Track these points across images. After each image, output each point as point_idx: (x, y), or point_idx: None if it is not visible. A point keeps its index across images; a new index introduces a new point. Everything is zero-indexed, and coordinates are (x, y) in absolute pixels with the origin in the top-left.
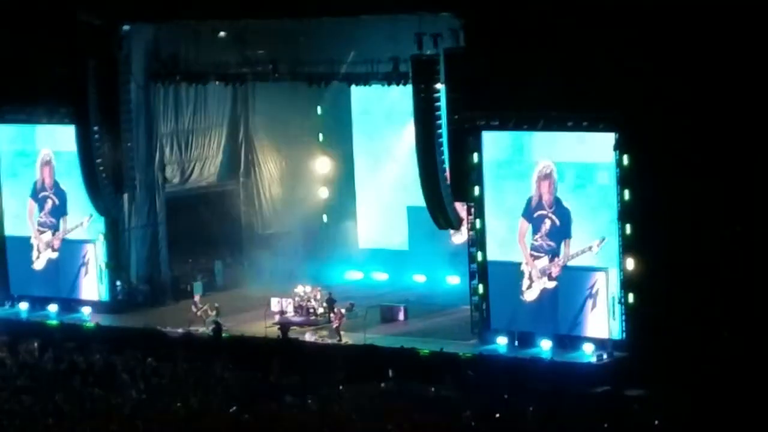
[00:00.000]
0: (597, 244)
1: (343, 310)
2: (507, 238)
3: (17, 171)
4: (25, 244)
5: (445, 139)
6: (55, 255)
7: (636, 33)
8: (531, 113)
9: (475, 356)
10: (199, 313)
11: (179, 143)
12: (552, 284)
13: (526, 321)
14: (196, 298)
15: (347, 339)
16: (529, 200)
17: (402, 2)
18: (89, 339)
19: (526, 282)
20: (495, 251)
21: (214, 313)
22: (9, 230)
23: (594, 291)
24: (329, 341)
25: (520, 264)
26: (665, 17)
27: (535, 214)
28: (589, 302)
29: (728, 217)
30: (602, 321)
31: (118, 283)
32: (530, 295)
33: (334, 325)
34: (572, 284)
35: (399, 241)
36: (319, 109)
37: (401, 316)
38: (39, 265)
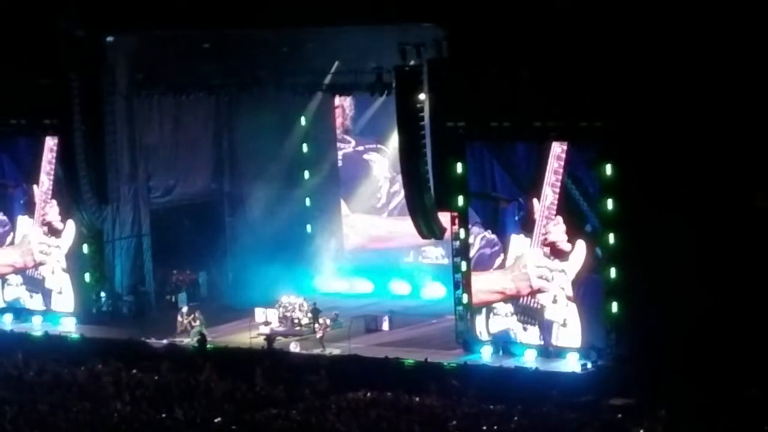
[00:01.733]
0: None
1: (328, 321)
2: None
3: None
4: None
5: (429, 149)
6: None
7: (619, 43)
8: (514, 123)
9: (459, 366)
10: (184, 324)
11: (163, 154)
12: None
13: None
14: (184, 309)
15: (331, 349)
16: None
17: (385, 13)
18: (73, 350)
19: None
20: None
21: (197, 323)
22: None
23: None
24: (314, 351)
25: None
26: (648, 26)
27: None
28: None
29: (712, 225)
30: (586, 330)
31: (102, 294)
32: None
33: (318, 335)
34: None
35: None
36: (303, 120)
37: (386, 326)
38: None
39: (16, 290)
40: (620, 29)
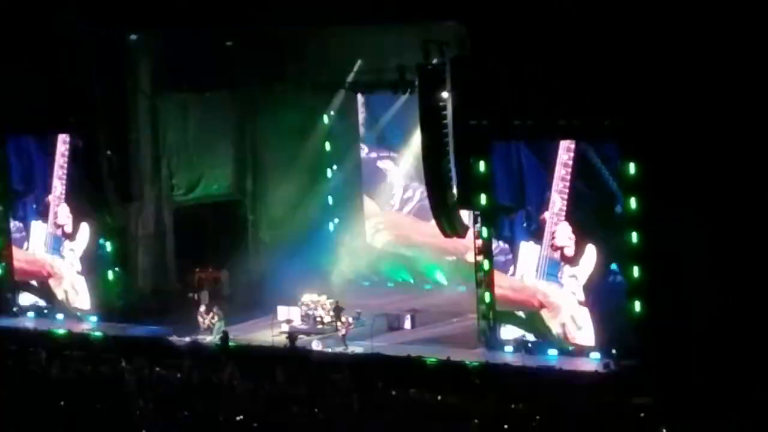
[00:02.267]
0: None
1: (350, 319)
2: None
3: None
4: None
5: (451, 147)
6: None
7: (641, 40)
8: (537, 121)
9: (481, 365)
10: (206, 322)
11: (186, 153)
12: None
13: None
14: (203, 307)
15: (354, 348)
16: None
17: (408, 11)
18: (96, 348)
19: None
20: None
21: (215, 319)
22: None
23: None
24: (336, 350)
25: None
26: (672, 23)
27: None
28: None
29: (735, 223)
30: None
31: (125, 292)
32: None
33: (341, 333)
34: None
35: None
36: (325, 118)
37: (408, 325)
38: None
39: (30, 297)
40: (643, 27)
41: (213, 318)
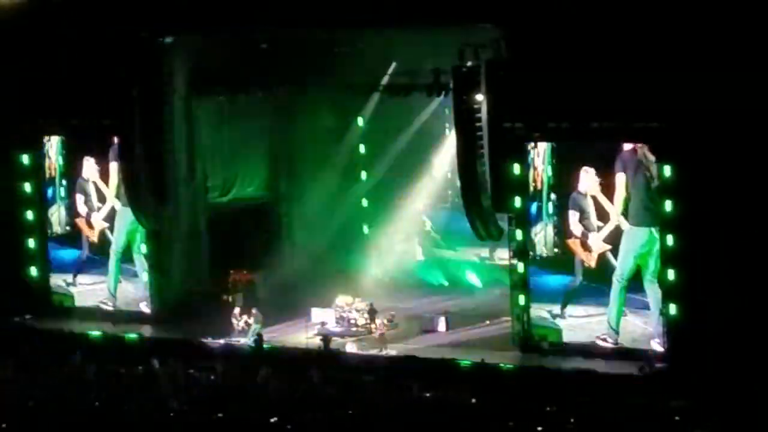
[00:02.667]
0: None
1: (385, 321)
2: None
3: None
4: (67, 256)
5: (486, 150)
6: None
7: (680, 44)
8: (572, 124)
9: (516, 367)
10: (240, 324)
11: (221, 155)
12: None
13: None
14: (237, 309)
15: (388, 350)
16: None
17: (444, 13)
18: (131, 350)
19: None
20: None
21: (252, 320)
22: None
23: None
24: (372, 351)
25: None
26: (710, 29)
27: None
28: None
29: None
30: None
31: (160, 294)
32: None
33: (379, 333)
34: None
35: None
36: (360, 121)
37: (442, 327)
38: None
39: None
40: (680, 29)
41: (250, 319)
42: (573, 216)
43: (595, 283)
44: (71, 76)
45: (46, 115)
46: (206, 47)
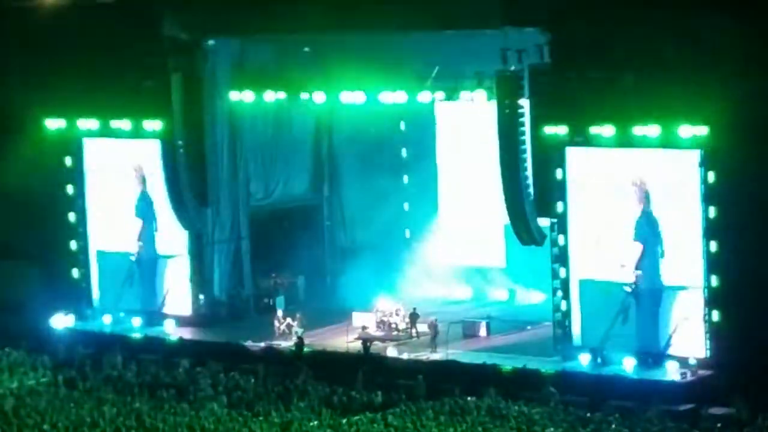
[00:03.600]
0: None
1: (438, 324)
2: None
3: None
4: (113, 259)
5: (529, 155)
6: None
7: (721, 50)
8: (615, 129)
9: (557, 373)
10: (281, 327)
11: (263, 158)
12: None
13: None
14: (279, 312)
15: (429, 355)
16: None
17: (487, 17)
18: (172, 352)
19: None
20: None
21: (296, 323)
22: (97, 245)
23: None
24: (412, 356)
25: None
26: (749, 33)
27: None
28: (674, 320)
29: None
30: (687, 338)
31: (201, 296)
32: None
33: (431, 335)
34: (658, 302)
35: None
36: (402, 124)
37: (483, 332)
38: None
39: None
40: (723, 35)
41: (294, 322)
42: None
43: None
44: (113, 78)
45: (87, 116)
46: (249, 50)
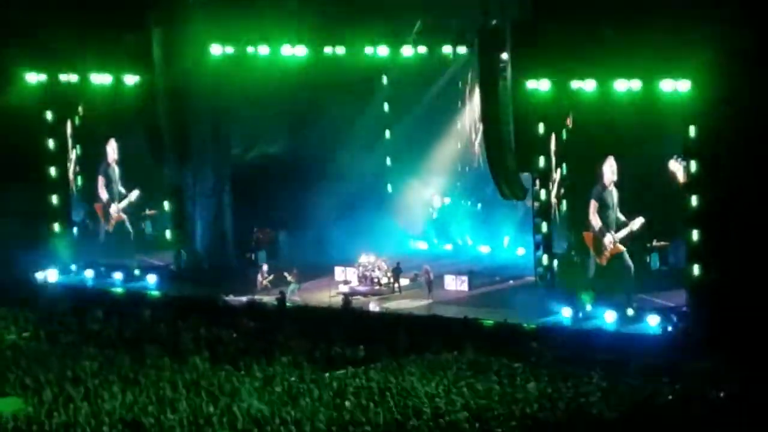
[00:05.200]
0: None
1: (431, 274)
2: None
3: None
4: (94, 213)
5: (510, 110)
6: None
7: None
8: (597, 83)
9: (538, 327)
10: (264, 281)
11: (245, 113)
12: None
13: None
14: (264, 267)
15: (410, 309)
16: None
17: None
18: (154, 307)
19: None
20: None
21: (292, 278)
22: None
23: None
24: (390, 306)
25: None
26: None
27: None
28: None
29: None
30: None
31: (182, 251)
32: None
33: (424, 279)
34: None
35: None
36: (384, 79)
37: (465, 286)
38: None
39: None
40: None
41: (291, 277)
42: None
43: None
44: (94, 32)
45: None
46: (227, 4)
